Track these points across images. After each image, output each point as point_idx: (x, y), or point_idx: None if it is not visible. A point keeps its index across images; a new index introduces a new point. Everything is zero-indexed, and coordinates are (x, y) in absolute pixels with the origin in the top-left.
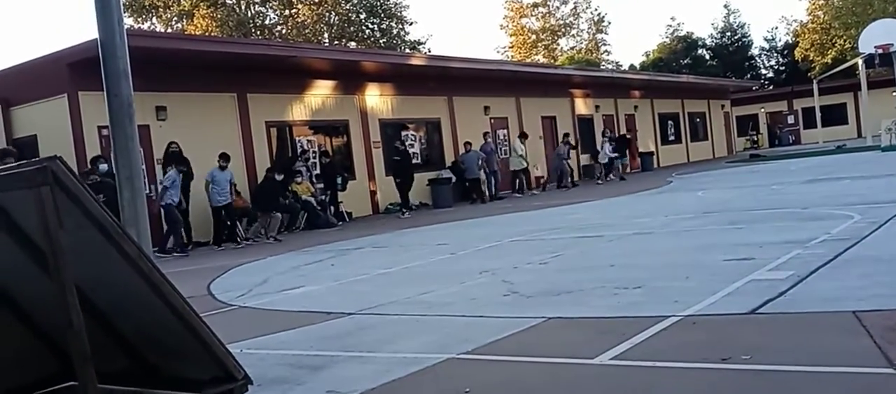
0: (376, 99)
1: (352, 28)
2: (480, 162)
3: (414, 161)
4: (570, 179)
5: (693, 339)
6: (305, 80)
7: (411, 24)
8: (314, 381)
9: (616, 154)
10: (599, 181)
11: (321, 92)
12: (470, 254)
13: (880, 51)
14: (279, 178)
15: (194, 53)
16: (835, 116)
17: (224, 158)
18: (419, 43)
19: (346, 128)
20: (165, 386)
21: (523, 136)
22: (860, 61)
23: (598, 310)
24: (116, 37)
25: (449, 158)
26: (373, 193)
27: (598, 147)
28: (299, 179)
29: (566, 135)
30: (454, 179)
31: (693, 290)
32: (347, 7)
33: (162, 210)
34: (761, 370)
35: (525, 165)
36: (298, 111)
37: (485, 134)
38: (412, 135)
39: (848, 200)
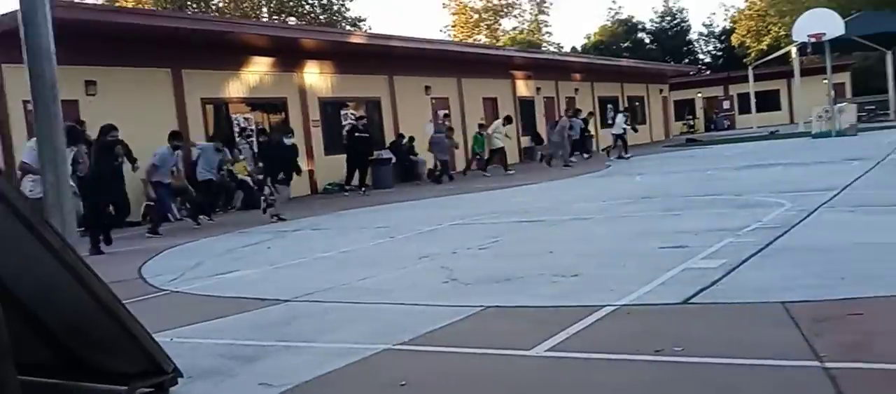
0: (316, 76)
1: (291, 3)
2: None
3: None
4: (569, 155)
5: (627, 329)
6: (243, 57)
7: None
8: (247, 373)
9: (626, 127)
10: (621, 156)
11: (259, 68)
12: (410, 238)
13: (813, 39)
14: (289, 142)
15: (127, 26)
16: (769, 102)
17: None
18: (360, 19)
19: (284, 105)
20: (91, 379)
21: (508, 119)
22: (794, 49)
23: (536, 298)
24: (39, 14)
25: (389, 137)
26: (311, 173)
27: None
28: (241, 158)
29: (572, 108)
30: (394, 160)
31: (629, 278)
32: None
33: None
34: (692, 363)
35: (501, 144)
36: (235, 88)
37: (444, 115)
38: (352, 113)
39: (779, 186)
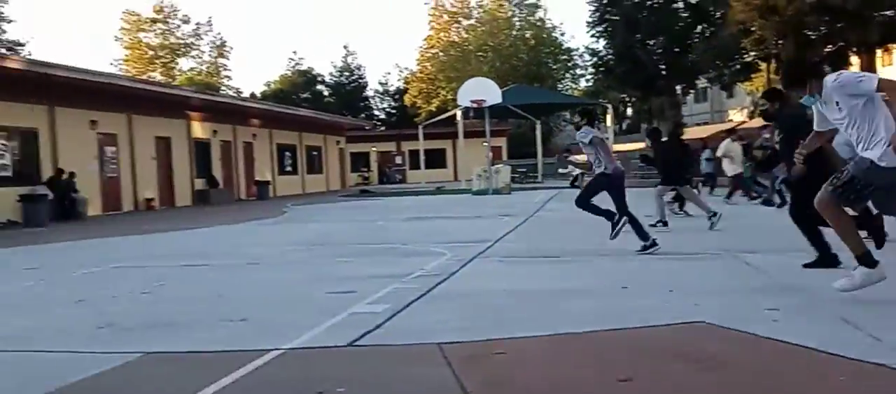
0: None
1: None
2: None
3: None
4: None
5: (291, 374)
6: None
7: (9, 22)
8: None
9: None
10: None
11: None
12: (64, 280)
13: (475, 105)
14: None
15: None
16: (436, 159)
17: None
18: (19, 44)
19: None
20: None
21: None
22: (458, 112)
23: (199, 343)
24: None
25: (47, 172)
26: None
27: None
28: None
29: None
30: (51, 196)
31: (297, 322)
32: None
33: None
34: None
35: None
36: None
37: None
38: (3, 144)
39: (442, 237)
